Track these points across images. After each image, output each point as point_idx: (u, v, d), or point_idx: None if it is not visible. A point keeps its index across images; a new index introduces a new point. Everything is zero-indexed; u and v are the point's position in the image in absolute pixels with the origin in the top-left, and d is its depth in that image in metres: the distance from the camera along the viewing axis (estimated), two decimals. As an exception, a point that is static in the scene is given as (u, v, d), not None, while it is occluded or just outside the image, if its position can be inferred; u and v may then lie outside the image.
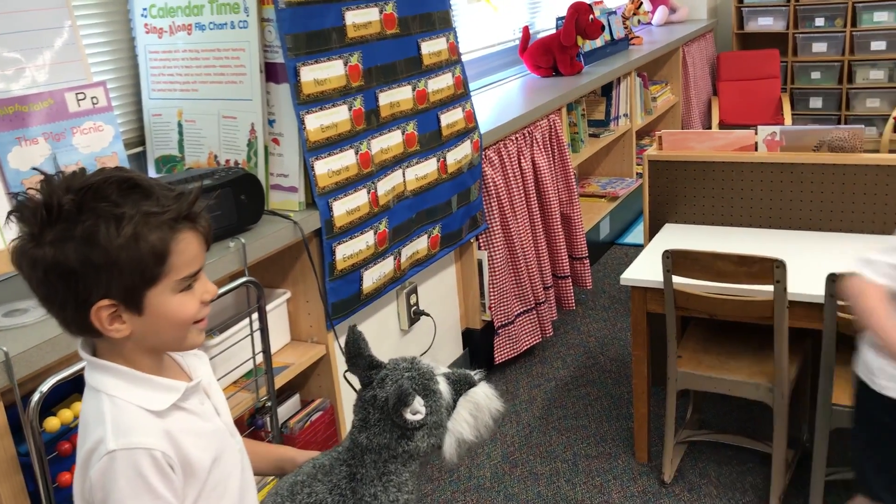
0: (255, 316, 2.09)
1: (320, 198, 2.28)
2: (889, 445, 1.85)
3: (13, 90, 1.72)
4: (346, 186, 2.36)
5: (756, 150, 2.78)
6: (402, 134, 2.62)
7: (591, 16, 4.26)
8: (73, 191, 1.01)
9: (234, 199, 2.07)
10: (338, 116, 2.34)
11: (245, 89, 2.25)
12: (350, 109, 2.39)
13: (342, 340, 2.50)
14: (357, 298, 2.47)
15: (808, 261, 2.37)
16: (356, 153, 2.41)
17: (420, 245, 2.77)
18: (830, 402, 2.22)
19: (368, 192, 2.45)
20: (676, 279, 2.35)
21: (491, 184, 3.13)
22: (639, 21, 5.76)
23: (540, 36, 4.40)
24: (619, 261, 4.38)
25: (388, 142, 2.56)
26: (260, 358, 2.13)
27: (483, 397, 1.37)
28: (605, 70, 4.33)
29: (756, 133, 2.78)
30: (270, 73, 2.25)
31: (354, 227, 2.40)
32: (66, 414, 1.58)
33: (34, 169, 1.62)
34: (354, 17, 2.39)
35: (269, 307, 2.22)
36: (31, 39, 1.76)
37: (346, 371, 2.53)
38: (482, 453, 2.80)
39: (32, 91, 1.72)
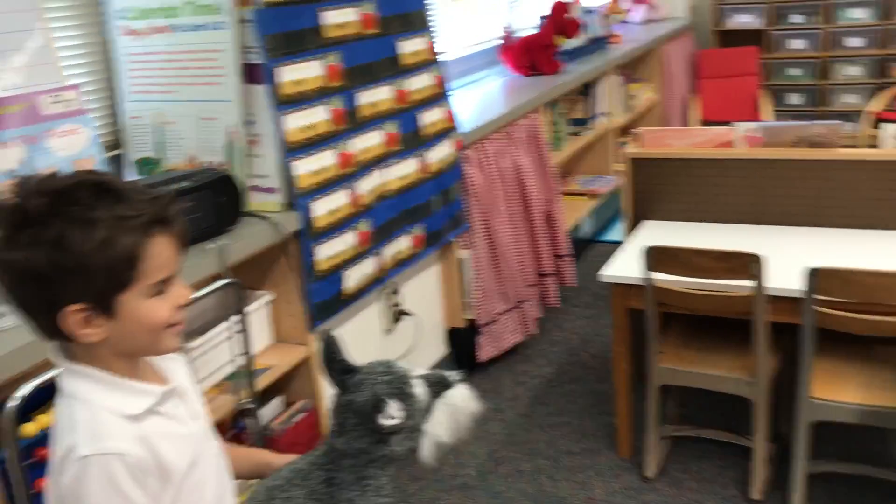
0: (236, 318, 2.09)
1: (300, 198, 2.27)
2: None
3: (-15, 94, 1.71)
4: (325, 187, 2.36)
5: (734, 146, 2.80)
6: (383, 134, 2.62)
7: (570, 14, 4.28)
8: (45, 194, 1.00)
9: (213, 200, 2.07)
10: (317, 117, 2.34)
11: (223, 90, 2.24)
12: (329, 110, 2.38)
13: (323, 342, 2.50)
14: (339, 299, 2.47)
15: (788, 256, 2.39)
16: (336, 153, 2.41)
17: (402, 245, 2.77)
18: (809, 395, 2.24)
19: (349, 193, 2.45)
20: (656, 275, 2.36)
21: (473, 183, 3.14)
22: (618, 20, 5.78)
23: (521, 35, 4.41)
24: (601, 258, 4.36)
25: (368, 142, 2.56)
26: (242, 360, 2.12)
27: (460, 399, 1.36)
28: (584, 69, 4.34)
29: (735, 129, 2.80)
30: (249, 74, 2.24)
31: (335, 228, 2.40)
32: (44, 419, 1.57)
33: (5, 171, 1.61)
34: (332, 18, 2.39)
35: (251, 309, 2.21)
36: (1, 42, 1.74)
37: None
38: (466, 451, 2.80)
39: (5, 94, 1.71)
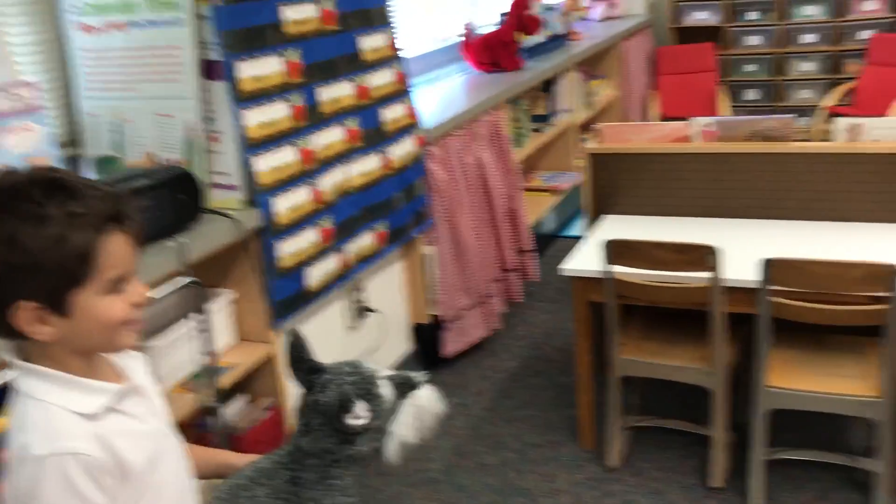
0: (198, 316, 2.07)
1: (261, 195, 2.27)
2: None
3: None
4: (287, 183, 2.36)
5: (691, 141, 2.85)
6: (344, 130, 2.62)
7: (530, 12, 4.30)
8: (-4, 190, 0.99)
9: (173, 198, 2.05)
10: (277, 113, 2.33)
11: (182, 87, 2.23)
12: (290, 106, 2.38)
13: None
14: (302, 296, 2.46)
15: (744, 248, 2.43)
16: (297, 150, 2.40)
17: (366, 241, 2.77)
18: (767, 384, 2.29)
19: (311, 189, 2.45)
20: (616, 268, 2.39)
21: (436, 179, 3.15)
22: (578, 17, 5.83)
23: (482, 32, 4.43)
24: (564, 253, 4.39)
25: (330, 138, 2.55)
26: (205, 359, 2.11)
27: (426, 400, 1.37)
28: (546, 65, 4.38)
29: (691, 124, 2.84)
30: (207, 70, 2.23)
31: (297, 225, 2.39)
32: (2, 422, 1.54)
33: None
34: (292, 14, 2.38)
35: (213, 307, 2.20)
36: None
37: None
38: (432, 446, 2.81)
39: (-43, 91, 1.68)
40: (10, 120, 1.72)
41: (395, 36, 2.90)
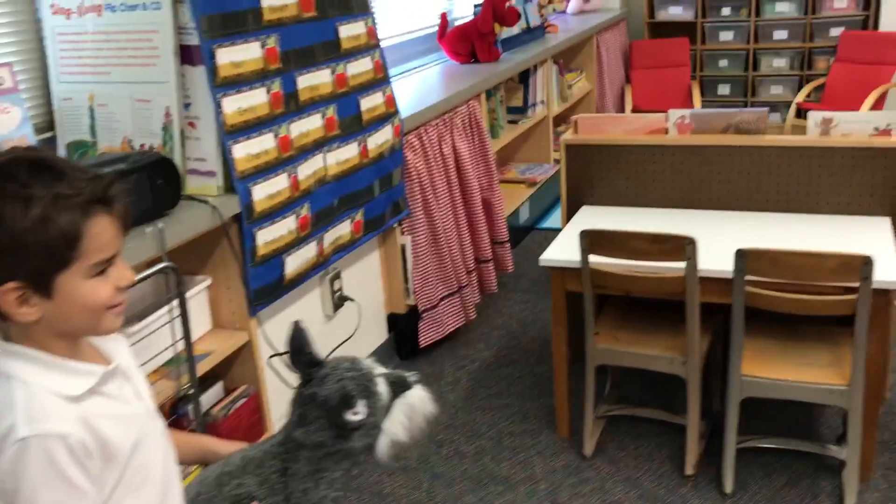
0: (175, 303, 2.06)
1: (239, 182, 2.25)
2: None
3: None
4: (265, 171, 2.34)
5: (667, 133, 2.88)
6: (322, 118, 2.61)
7: (508, 3, 4.31)
8: (-20, 170, 0.98)
9: (150, 183, 2.03)
10: (256, 99, 2.32)
11: (159, 72, 2.20)
12: (268, 92, 2.36)
13: (266, 328, 2.49)
14: (280, 284, 2.45)
15: (718, 239, 2.46)
16: (275, 137, 2.39)
17: (343, 230, 2.76)
18: (741, 373, 2.32)
19: (289, 177, 2.44)
20: (593, 258, 2.41)
21: (413, 169, 3.15)
22: (553, 9, 5.86)
23: (458, 23, 4.43)
24: (538, 244, 4.45)
25: (308, 126, 2.54)
26: (181, 345, 2.09)
27: (418, 400, 1.38)
28: (522, 57, 4.39)
29: (667, 117, 2.87)
30: (185, 55, 2.20)
31: (275, 212, 2.38)
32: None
33: None
34: (270, 0, 2.36)
35: (189, 294, 2.18)
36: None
37: (270, 356, 2.53)
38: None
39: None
40: (-15, 101, 1.69)
41: (373, 24, 2.89)
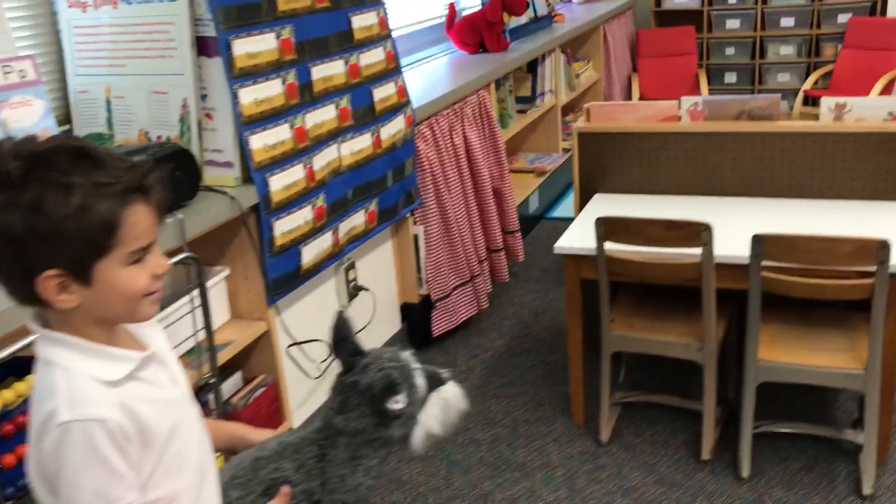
0: (195, 293, 2.07)
1: (257, 172, 2.26)
2: None
3: (-67, 65, 1.65)
4: (282, 161, 2.35)
5: (679, 120, 2.88)
6: (336, 108, 2.62)
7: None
8: (21, 157, 0.98)
9: (169, 175, 2.04)
10: (271, 90, 2.32)
11: (176, 64, 2.21)
12: (283, 83, 2.37)
13: (288, 316, 2.51)
14: (297, 274, 2.46)
15: (732, 225, 2.46)
16: (291, 127, 2.40)
17: (357, 220, 2.77)
18: (757, 358, 2.33)
19: (304, 167, 2.45)
20: (608, 246, 2.42)
21: (424, 159, 3.15)
22: (560, -1, 5.85)
23: (465, 13, 4.43)
24: (548, 234, 4.47)
25: (322, 116, 2.55)
26: (201, 335, 2.11)
27: (452, 395, 1.42)
28: (530, 47, 4.39)
29: (679, 104, 2.87)
30: (201, 46, 2.21)
31: (292, 203, 2.39)
32: (6, 395, 1.54)
33: None
34: (285, -10, 2.37)
35: (208, 284, 2.19)
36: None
37: (289, 346, 2.54)
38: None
39: (-44, 64, 1.66)
40: (9, 94, 1.70)
41: (385, 14, 2.89)
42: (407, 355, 1.42)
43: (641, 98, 5.91)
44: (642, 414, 2.79)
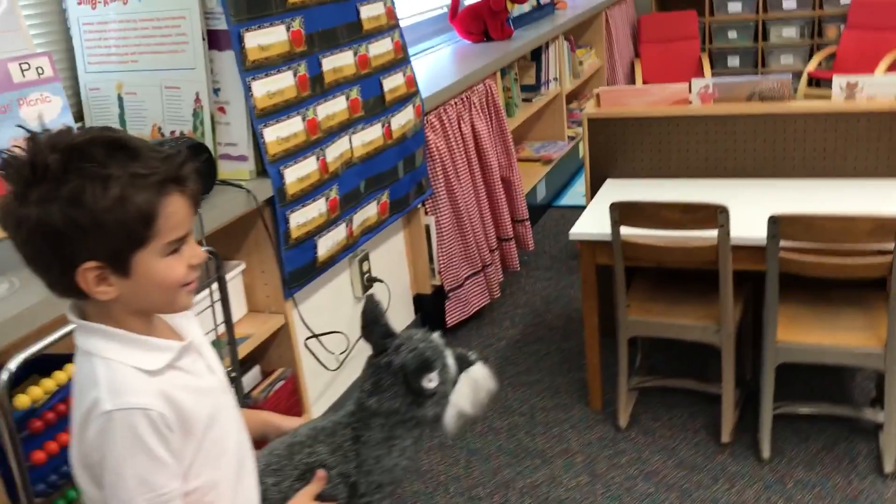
0: (214, 287, 2.07)
1: (271, 165, 2.26)
2: None
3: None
4: (295, 153, 2.35)
5: (690, 103, 2.87)
6: (347, 100, 2.61)
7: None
8: (58, 150, 0.98)
9: (186, 169, 2.03)
10: (283, 83, 2.32)
11: (187, 58, 2.21)
12: (295, 75, 2.36)
13: (304, 308, 2.51)
14: (313, 266, 2.46)
15: (745, 207, 2.45)
16: (303, 120, 2.39)
17: (370, 212, 2.77)
18: (776, 339, 2.33)
19: (318, 160, 2.44)
20: (623, 231, 2.41)
21: (434, 149, 3.15)
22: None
23: (469, 2, 4.42)
24: (556, 222, 4.47)
25: (334, 108, 2.54)
26: (221, 329, 2.11)
27: (481, 376, 1.44)
28: (534, 34, 4.38)
29: (690, 87, 2.86)
30: (213, 40, 2.20)
31: (307, 195, 2.39)
32: (35, 392, 1.54)
33: (18, 126, 1.56)
34: (295, -19, 2.36)
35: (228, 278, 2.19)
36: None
37: (307, 338, 2.54)
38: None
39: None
40: (28, 91, 1.70)
41: (392, 3, 2.88)
42: (436, 336, 1.43)
43: (645, 84, 5.89)
44: (659, 399, 2.79)
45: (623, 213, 2.40)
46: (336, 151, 2.55)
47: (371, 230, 2.80)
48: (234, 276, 2.34)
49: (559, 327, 3.38)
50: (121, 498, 1.04)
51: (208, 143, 2.21)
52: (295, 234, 2.36)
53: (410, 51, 3.99)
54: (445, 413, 1.38)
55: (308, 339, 2.54)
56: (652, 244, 2.41)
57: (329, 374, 2.68)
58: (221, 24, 2.18)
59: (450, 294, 3.29)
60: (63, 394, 1.61)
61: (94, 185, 0.98)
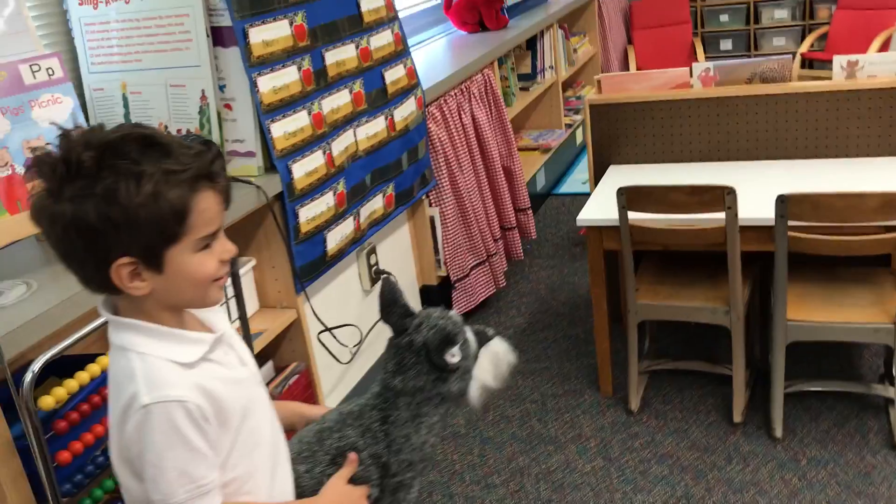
0: (228, 283, 2.07)
1: (279, 160, 2.26)
2: None
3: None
4: (302, 148, 2.35)
5: (691, 87, 2.88)
6: (350, 93, 2.61)
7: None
8: (92, 147, 0.99)
9: (196, 166, 2.03)
10: (288, 77, 2.32)
11: (192, 56, 2.20)
12: (299, 70, 2.36)
13: (313, 303, 2.51)
14: (323, 260, 2.47)
15: (751, 188, 2.48)
16: (309, 114, 2.39)
17: (376, 205, 2.77)
18: (786, 318, 2.35)
19: (324, 154, 2.44)
20: (632, 215, 2.42)
21: (436, 140, 3.15)
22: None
23: (462, -8, 4.41)
24: (557, 210, 4.48)
25: (338, 101, 2.54)
26: (236, 325, 2.11)
27: (501, 349, 1.46)
28: (528, 23, 4.38)
29: (691, 70, 2.87)
30: (217, 37, 2.20)
31: (315, 189, 2.39)
32: (59, 392, 1.55)
33: (52, 124, 1.56)
34: (296, -25, 2.36)
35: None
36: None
37: (319, 332, 2.55)
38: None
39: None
40: (39, 92, 1.70)
41: (391, -4, 2.88)
42: (454, 313, 1.45)
43: (639, 70, 5.90)
44: (669, 381, 2.81)
45: (630, 197, 2.41)
46: (342, 145, 2.55)
47: (378, 223, 2.81)
48: (246, 273, 2.34)
49: (565, 314, 3.39)
50: (161, 490, 1.04)
51: (215, 140, 2.21)
52: (304, 228, 2.36)
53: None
54: (469, 387, 1.40)
55: (321, 332, 2.54)
56: (660, 228, 2.42)
57: (341, 366, 2.68)
58: (225, 21, 2.17)
59: (456, 284, 3.29)
60: (86, 393, 1.62)
61: (128, 181, 0.98)
